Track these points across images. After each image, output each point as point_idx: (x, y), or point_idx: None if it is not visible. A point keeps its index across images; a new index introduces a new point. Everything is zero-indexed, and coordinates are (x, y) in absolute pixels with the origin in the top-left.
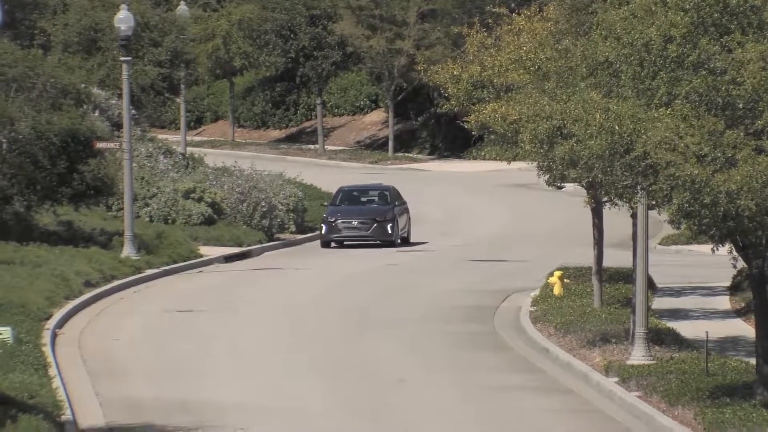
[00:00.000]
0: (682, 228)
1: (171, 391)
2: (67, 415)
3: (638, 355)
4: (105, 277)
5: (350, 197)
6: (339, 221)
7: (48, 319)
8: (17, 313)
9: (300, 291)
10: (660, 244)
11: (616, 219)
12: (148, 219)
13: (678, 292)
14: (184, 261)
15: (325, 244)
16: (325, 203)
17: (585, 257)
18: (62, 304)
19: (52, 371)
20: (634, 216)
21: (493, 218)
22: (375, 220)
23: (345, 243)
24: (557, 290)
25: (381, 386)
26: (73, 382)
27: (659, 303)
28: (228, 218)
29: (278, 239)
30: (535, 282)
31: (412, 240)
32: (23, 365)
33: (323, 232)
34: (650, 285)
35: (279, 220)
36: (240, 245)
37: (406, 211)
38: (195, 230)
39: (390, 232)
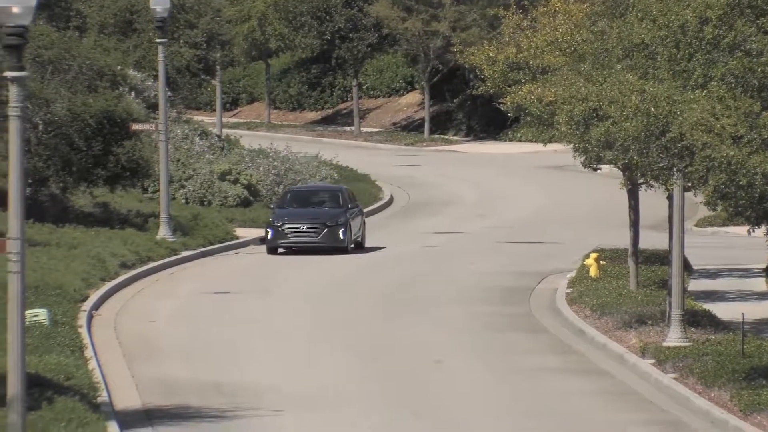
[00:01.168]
0: (718, 209)
1: (206, 372)
2: (103, 396)
3: (674, 337)
4: (141, 258)
5: (299, 199)
6: (286, 225)
7: (84, 300)
8: (53, 294)
9: (335, 272)
10: (696, 225)
11: (652, 201)
12: (183, 201)
13: (714, 274)
14: (220, 243)
15: (272, 251)
16: (272, 205)
17: (621, 239)
18: (98, 285)
19: (88, 353)
20: (670, 198)
21: (528, 200)
22: (326, 225)
23: (293, 249)
24: (593, 272)
25: (417, 368)
26: (109, 364)
27: (695, 285)
28: (264, 200)
29: None
30: (571, 264)
31: (367, 245)
32: (59, 347)
33: (269, 237)
34: (686, 267)
35: None
36: None
37: (361, 213)
38: (231, 212)
39: (342, 237)
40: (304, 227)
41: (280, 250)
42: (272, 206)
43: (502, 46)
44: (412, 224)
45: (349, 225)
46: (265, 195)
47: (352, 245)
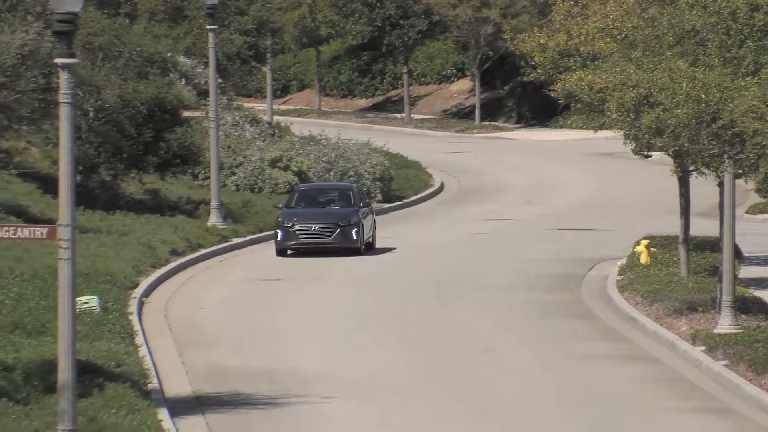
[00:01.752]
0: None
1: (257, 360)
2: (153, 383)
3: (725, 324)
4: (191, 245)
5: (308, 198)
6: (296, 226)
7: (134, 287)
8: (104, 281)
9: (386, 259)
10: (747, 212)
11: (703, 188)
12: (234, 188)
13: (765, 261)
14: (271, 230)
15: (281, 252)
16: (279, 205)
17: (672, 226)
18: (148, 272)
19: (139, 340)
20: (720, 185)
21: (579, 187)
22: (338, 225)
23: (303, 251)
24: (644, 259)
25: (467, 356)
26: (159, 351)
27: (746, 272)
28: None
29: None
30: (621, 251)
31: (419, 230)
32: (110, 334)
33: (278, 238)
34: (737, 254)
35: (366, 189)
36: None
37: (371, 212)
38: (281, 199)
39: (355, 237)
40: (315, 227)
41: (289, 252)
42: (280, 206)
43: (553, 33)
44: (463, 211)
45: (362, 225)
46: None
47: (363, 246)
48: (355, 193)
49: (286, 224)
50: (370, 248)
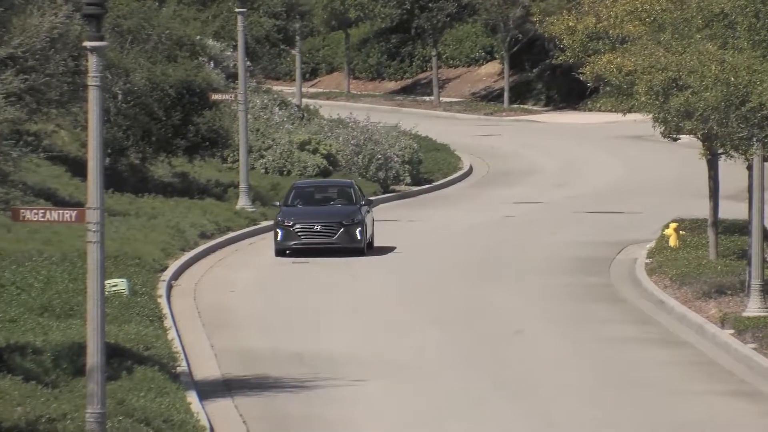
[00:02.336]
0: None
1: (286, 342)
2: (182, 366)
3: (754, 307)
4: (220, 228)
5: (306, 195)
6: (297, 225)
7: (163, 270)
8: (133, 264)
9: (415, 243)
10: None
11: (732, 171)
12: (263, 171)
13: None
14: None
15: (280, 253)
16: (277, 203)
17: (700, 209)
18: (177, 255)
19: (168, 323)
20: (749, 168)
21: (608, 170)
22: (341, 224)
23: (302, 251)
24: (673, 242)
25: (497, 338)
26: (188, 334)
27: None
28: (343, 170)
29: (393, 191)
30: (650, 234)
31: (451, 212)
32: (139, 317)
33: (278, 238)
34: (765, 236)
35: (394, 171)
36: None
37: (370, 210)
38: None
39: (359, 237)
40: (317, 227)
41: (287, 252)
42: (278, 203)
43: (582, 16)
44: (492, 194)
45: (365, 224)
46: (345, 165)
47: (366, 245)
48: (356, 190)
49: (286, 223)
50: (369, 247)
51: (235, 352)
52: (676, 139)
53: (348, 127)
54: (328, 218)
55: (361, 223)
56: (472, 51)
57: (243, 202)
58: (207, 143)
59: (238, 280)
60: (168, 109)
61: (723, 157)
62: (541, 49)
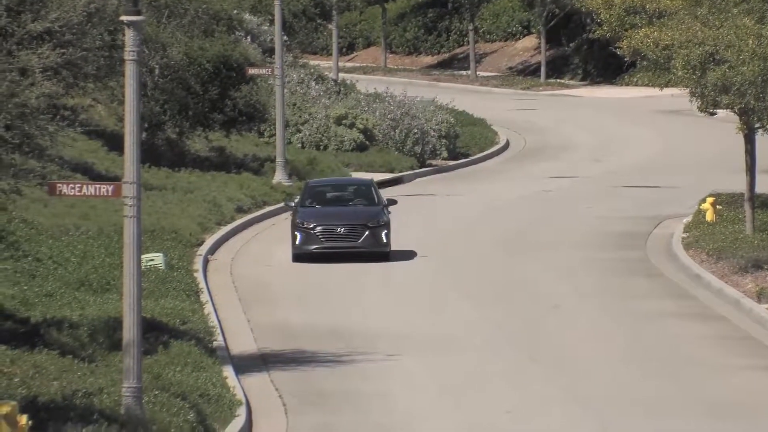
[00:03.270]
0: None
1: (321, 317)
2: (218, 341)
3: None
4: (256, 203)
5: (323, 195)
6: (318, 228)
7: (200, 245)
8: (169, 239)
9: (452, 217)
10: None
11: None
12: (299, 145)
13: None
14: None
15: (298, 258)
16: (292, 203)
17: (737, 184)
18: (214, 230)
19: (204, 297)
20: None
21: (644, 144)
22: (366, 226)
23: (325, 256)
24: (709, 216)
25: (535, 312)
26: (224, 308)
27: None
28: (380, 144)
29: (430, 165)
30: (687, 208)
31: (492, 185)
32: (175, 291)
33: (297, 242)
34: None
35: (431, 146)
36: (391, 171)
37: (388, 211)
38: (347, 156)
39: (385, 240)
40: (341, 229)
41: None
42: (293, 203)
43: None
44: (528, 169)
45: (390, 226)
46: (381, 139)
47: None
48: (376, 190)
49: (306, 225)
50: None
51: (271, 326)
52: (713, 114)
53: (385, 102)
54: (352, 220)
55: (387, 226)
56: (509, 25)
57: (279, 177)
58: (244, 118)
59: (275, 255)
60: (205, 84)
61: (760, 131)
62: (578, 23)
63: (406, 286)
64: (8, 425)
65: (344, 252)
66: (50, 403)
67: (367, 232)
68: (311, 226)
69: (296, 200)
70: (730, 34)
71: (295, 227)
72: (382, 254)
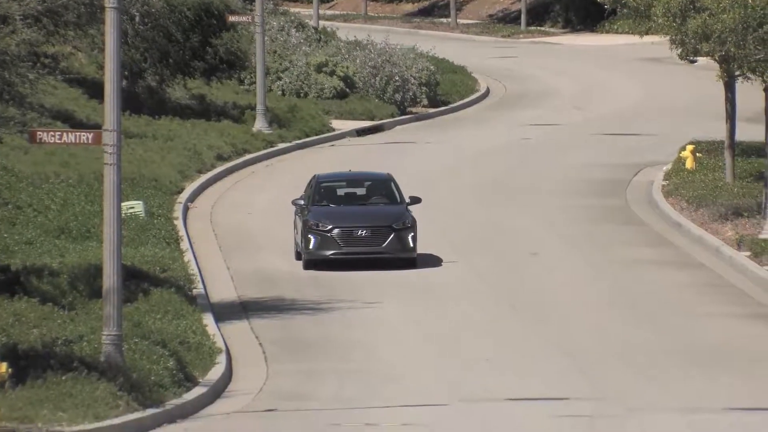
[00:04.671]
0: None
1: (301, 264)
2: (198, 288)
3: None
4: (237, 150)
5: (334, 192)
6: (336, 230)
7: (180, 192)
8: (149, 187)
9: (432, 164)
10: None
11: (749, 93)
12: (280, 93)
13: None
14: (316, 135)
15: (312, 264)
16: (301, 201)
17: (717, 131)
18: (194, 177)
19: (184, 245)
20: (766, 90)
21: (625, 92)
22: (391, 228)
23: (342, 263)
24: (689, 164)
25: (514, 260)
26: (204, 256)
27: None
28: (360, 92)
29: (410, 113)
30: (667, 156)
31: (467, 131)
32: (155, 239)
33: (311, 246)
34: None
35: (411, 93)
36: (372, 119)
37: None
38: (327, 104)
39: (411, 245)
40: (362, 232)
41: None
42: (302, 202)
43: None
44: (509, 116)
45: (416, 228)
46: (362, 87)
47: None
48: (397, 185)
49: (320, 227)
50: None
51: (251, 274)
52: (693, 62)
53: (365, 50)
54: (375, 221)
55: (414, 227)
56: None
57: (260, 124)
58: (224, 65)
59: (255, 203)
60: (185, 31)
61: (740, 79)
62: None
63: None
64: None
65: (366, 256)
66: (30, 350)
67: (392, 235)
68: (327, 228)
69: (302, 197)
70: None
71: (307, 229)
72: (408, 260)
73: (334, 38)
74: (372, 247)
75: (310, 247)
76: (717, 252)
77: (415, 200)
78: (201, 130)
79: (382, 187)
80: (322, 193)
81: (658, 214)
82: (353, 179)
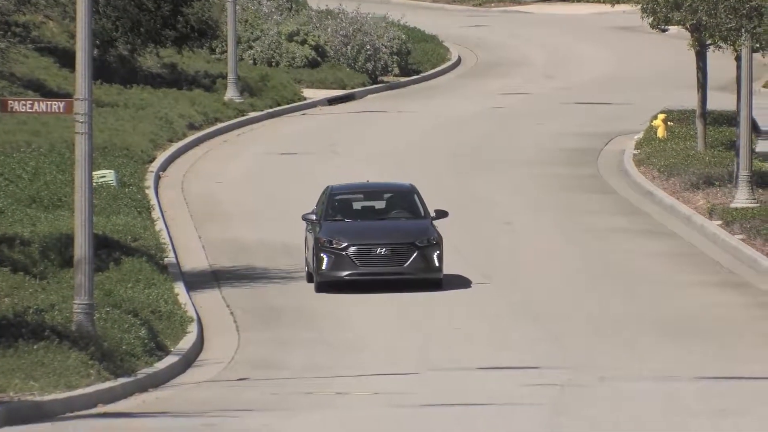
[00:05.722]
0: None
1: (273, 234)
2: (170, 257)
3: (742, 198)
4: (208, 119)
5: (349, 206)
6: (352, 248)
7: (151, 161)
8: (120, 156)
9: (404, 133)
10: (764, 87)
11: (720, 62)
12: (251, 62)
13: None
14: (288, 104)
15: (325, 287)
16: (313, 216)
17: (689, 100)
18: (165, 146)
19: (156, 214)
20: (738, 59)
21: (596, 61)
22: (414, 246)
23: (359, 284)
24: (661, 133)
25: (487, 229)
26: (176, 225)
27: (763, 146)
28: (332, 61)
29: (382, 82)
30: (638, 125)
31: (434, 102)
32: (126, 208)
33: (324, 267)
34: (754, 128)
35: (383, 62)
36: (343, 88)
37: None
38: (298, 73)
39: (437, 264)
40: (382, 250)
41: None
42: (314, 217)
43: None
44: (481, 85)
45: (442, 245)
46: (333, 56)
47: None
48: (421, 197)
49: (334, 245)
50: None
51: (222, 242)
52: (664, 30)
53: (336, 18)
54: (396, 238)
55: (439, 245)
56: None
57: (231, 93)
58: (196, 34)
59: (227, 172)
60: (157, 0)
61: (711, 48)
62: None
63: None
64: None
65: (385, 277)
66: (2, 319)
67: (415, 254)
68: (342, 246)
69: (313, 211)
70: None
71: (318, 247)
72: (434, 282)
73: (306, 7)
74: (392, 266)
75: (323, 267)
76: (688, 221)
77: (442, 214)
78: (172, 99)
79: (404, 199)
80: (335, 207)
81: (629, 183)
82: (371, 191)
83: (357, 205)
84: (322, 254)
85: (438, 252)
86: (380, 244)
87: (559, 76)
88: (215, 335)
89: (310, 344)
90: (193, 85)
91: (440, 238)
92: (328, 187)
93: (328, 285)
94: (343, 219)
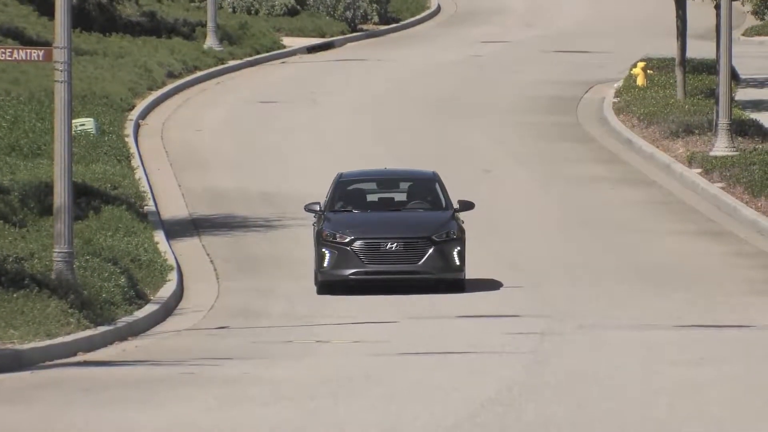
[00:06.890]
0: (766, 19)
1: (253, 182)
2: (149, 205)
3: (721, 146)
4: (188, 68)
5: (361, 196)
6: (358, 243)
7: (131, 109)
8: (100, 104)
9: (383, 82)
10: (743, 35)
11: (700, 10)
12: (231, 10)
13: (761, 84)
14: (267, 52)
15: (327, 288)
16: (317, 207)
17: (668, 48)
18: (145, 95)
19: (135, 162)
20: (717, 7)
21: (576, 9)
22: (431, 241)
23: (368, 285)
24: (640, 81)
25: (466, 177)
26: (155, 173)
27: (742, 94)
28: (311, 9)
29: (361, 30)
30: (617, 73)
31: (417, 49)
32: (106, 156)
33: (326, 264)
34: (733, 76)
35: (362, 11)
36: (323, 36)
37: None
38: (278, 21)
39: (458, 262)
40: (393, 245)
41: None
42: (318, 208)
43: None
44: (460, 33)
45: (464, 241)
46: (312, 4)
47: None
48: (443, 187)
49: (338, 240)
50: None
51: (202, 191)
52: None
53: None
54: (408, 231)
55: (461, 240)
56: None
57: (211, 42)
58: None
59: (206, 120)
60: None
61: None
62: None
63: (338, 150)
64: None
65: (396, 276)
66: None
67: (430, 250)
68: (347, 241)
69: (322, 204)
70: None
71: (321, 242)
72: (454, 283)
73: None
74: (405, 264)
75: (325, 265)
76: (668, 169)
77: (467, 206)
78: (151, 47)
79: (424, 188)
80: (344, 196)
81: (609, 131)
82: (386, 178)
83: (369, 195)
84: (324, 250)
85: (459, 248)
86: (391, 238)
87: (539, 24)
88: (195, 283)
89: (289, 292)
90: (172, 33)
91: (462, 232)
92: (338, 173)
93: (329, 285)
94: (351, 210)
